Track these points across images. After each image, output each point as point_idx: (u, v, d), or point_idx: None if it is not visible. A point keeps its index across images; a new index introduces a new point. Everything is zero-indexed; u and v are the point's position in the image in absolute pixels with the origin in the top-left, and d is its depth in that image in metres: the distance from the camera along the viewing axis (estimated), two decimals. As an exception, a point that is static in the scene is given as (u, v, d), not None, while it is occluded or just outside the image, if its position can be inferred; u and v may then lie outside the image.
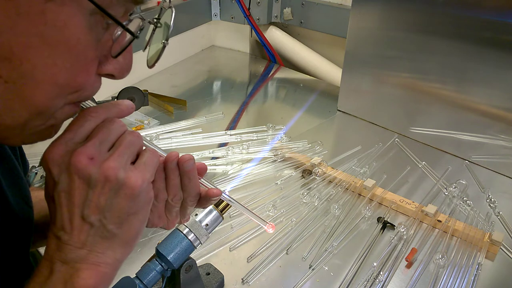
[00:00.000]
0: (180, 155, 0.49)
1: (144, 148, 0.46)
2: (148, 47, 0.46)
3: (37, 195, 0.61)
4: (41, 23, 0.35)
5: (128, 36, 0.40)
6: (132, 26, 0.40)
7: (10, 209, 0.52)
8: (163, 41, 0.45)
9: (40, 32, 0.35)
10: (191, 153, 1.15)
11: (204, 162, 0.52)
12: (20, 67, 0.35)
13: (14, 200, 0.53)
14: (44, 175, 1.00)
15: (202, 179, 0.52)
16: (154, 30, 0.45)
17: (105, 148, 0.42)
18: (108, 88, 1.24)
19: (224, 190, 0.55)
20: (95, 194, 0.41)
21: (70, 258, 0.41)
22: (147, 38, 0.45)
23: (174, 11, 0.45)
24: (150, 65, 0.47)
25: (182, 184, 0.49)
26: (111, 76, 0.43)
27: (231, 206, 0.68)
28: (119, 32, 0.40)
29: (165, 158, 0.48)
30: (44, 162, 0.41)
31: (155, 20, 0.44)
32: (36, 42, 0.35)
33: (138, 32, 0.41)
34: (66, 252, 0.41)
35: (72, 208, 0.41)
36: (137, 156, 0.44)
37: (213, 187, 0.52)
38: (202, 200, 0.53)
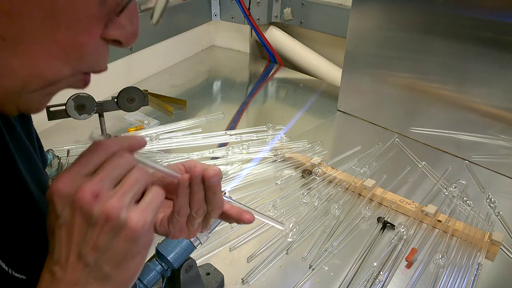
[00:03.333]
0: (205, 168, 0.47)
1: (151, 184, 0.44)
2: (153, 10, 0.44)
3: None
4: None
5: None
6: None
7: (33, 201, 0.51)
8: None
9: None
10: (192, 153, 1.16)
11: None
12: (18, 22, 0.34)
13: (37, 194, 0.52)
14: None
15: (231, 199, 0.51)
16: None
17: (112, 184, 0.41)
18: (108, 88, 1.24)
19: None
20: (95, 233, 0.40)
21: None
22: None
23: None
24: (155, 22, 0.44)
25: (206, 198, 0.48)
26: (118, 42, 0.41)
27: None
28: None
29: (190, 174, 0.47)
30: (49, 194, 0.40)
31: None
32: None
33: None
34: None
35: (69, 245, 0.40)
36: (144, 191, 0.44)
37: (242, 206, 0.52)
38: (230, 218, 0.52)
